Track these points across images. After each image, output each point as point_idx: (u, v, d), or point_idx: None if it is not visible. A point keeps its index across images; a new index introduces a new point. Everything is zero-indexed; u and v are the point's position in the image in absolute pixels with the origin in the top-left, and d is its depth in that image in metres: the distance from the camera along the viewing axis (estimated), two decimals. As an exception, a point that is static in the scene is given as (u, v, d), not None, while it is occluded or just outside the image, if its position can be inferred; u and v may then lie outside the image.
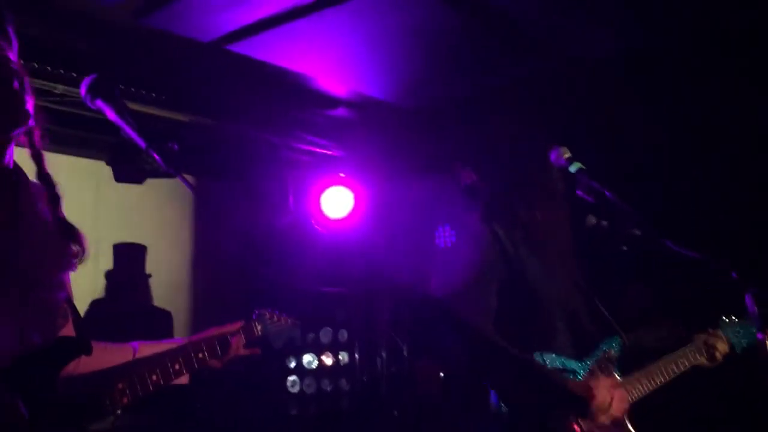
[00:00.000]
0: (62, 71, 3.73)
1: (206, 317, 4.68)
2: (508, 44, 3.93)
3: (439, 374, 4.85)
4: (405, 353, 5.15)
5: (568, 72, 4.04)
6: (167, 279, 4.71)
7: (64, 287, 1.91)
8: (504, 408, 2.62)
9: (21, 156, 1.92)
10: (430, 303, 2.79)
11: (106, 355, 2.08)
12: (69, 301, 1.92)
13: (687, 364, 2.91)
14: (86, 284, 4.21)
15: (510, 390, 2.62)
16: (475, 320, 2.62)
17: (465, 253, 2.80)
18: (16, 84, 1.78)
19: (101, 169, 4.43)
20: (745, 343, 3.02)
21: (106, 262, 4.39)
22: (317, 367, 4.93)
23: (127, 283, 4.54)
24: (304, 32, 3.73)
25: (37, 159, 1.91)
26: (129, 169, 4.45)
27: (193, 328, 4.64)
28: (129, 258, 4.53)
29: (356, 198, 4.98)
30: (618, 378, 2.72)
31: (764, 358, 2.26)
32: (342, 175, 4.99)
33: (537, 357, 2.62)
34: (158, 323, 4.60)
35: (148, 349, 2.18)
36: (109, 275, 4.40)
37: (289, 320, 2.56)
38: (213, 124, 4.51)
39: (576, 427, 2.51)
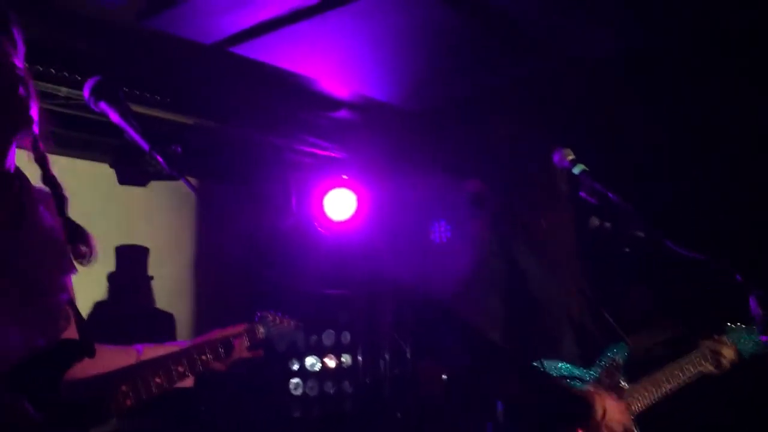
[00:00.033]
0: (66, 74, 3.74)
1: (209, 320, 4.66)
2: (508, 44, 3.93)
3: (441, 376, 4.85)
4: (408, 355, 5.15)
5: (568, 72, 4.04)
6: (170, 281, 4.72)
7: (66, 290, 1.90)
8: (506, 412, 2.61)
9: (24, 160, 1.92)
10: (433, 305, 2.78)
11: (110, 358, 2.07)
12: (72, 303, 1.91)
13: (693, 370, 2.87)
14: (89, 287, 4.22)
15: (510, 390, 2.61)
16: (476, 321, 2.61)
17: (460, 249, 2.80)
18: (21, 90, 1.78)
19: (105, 172, 4.43)
20: (751, 349, 2.99)
21: (109, 264, 4.40)
22: (320, 370, 4.93)
23: (130, 286, 4.54)
24: (306, 34, 3.74)
25: (42, 162, 1.90)
26: (132, 171, 4.45)
27: (196, 331, 4.62)
28: (131, 260, 4.53)
29: (359, 200, 4.98)
30: (624, 385, 2.71)
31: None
32: (345, 177, 4.99)
33: (544, 365, 2.58)
34: (161, 326, 4.60)
35: (151, 351, 2.17)
36: (111, 278, 4.40)
37: (292, 322, 2.56)
38: (216, 127, 4.52)
39: None
